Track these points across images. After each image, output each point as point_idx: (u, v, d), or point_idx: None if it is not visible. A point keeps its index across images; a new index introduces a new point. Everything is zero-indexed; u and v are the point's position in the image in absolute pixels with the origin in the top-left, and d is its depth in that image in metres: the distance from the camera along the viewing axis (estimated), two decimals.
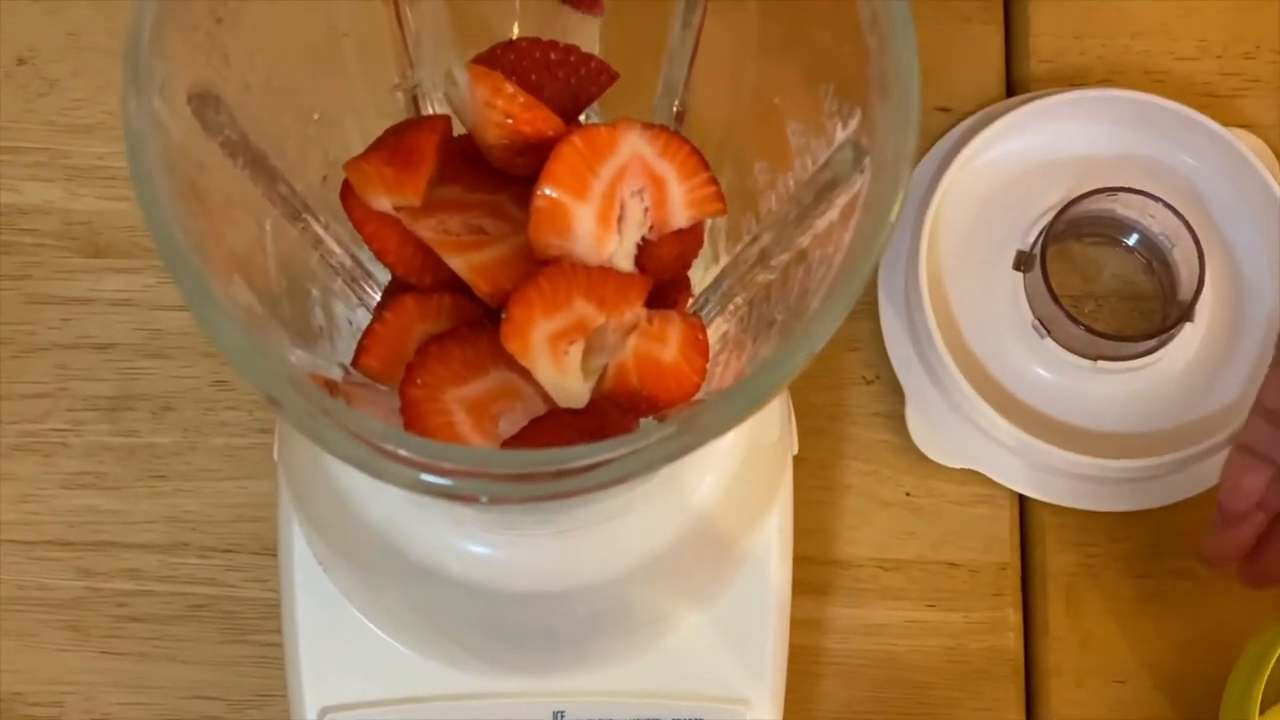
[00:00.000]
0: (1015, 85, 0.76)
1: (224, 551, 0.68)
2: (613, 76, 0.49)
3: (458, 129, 0.50)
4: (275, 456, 0.62)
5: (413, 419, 0.46)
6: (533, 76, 0.49)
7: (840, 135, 0.44)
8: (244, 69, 0.44)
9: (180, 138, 0.41)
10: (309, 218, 0.48)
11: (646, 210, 0.47)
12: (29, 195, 0.72)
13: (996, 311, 0.70)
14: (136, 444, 0.69)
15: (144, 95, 0.39)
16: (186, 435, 0.70)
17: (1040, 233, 0.69)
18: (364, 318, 0.50)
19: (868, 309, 0.71)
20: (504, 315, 0.45)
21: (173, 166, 0.40)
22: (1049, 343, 0.69)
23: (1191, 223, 0.68)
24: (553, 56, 0.49)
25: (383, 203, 0.48)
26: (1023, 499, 0.70)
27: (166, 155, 0.40)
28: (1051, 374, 0.69)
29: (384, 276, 0.51)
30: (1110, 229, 0.72)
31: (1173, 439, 0.68)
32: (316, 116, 0.50)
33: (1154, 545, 0.69)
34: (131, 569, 0.68)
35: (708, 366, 0.49)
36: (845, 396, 0.71)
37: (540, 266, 0.46)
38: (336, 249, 0.50)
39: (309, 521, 0.60)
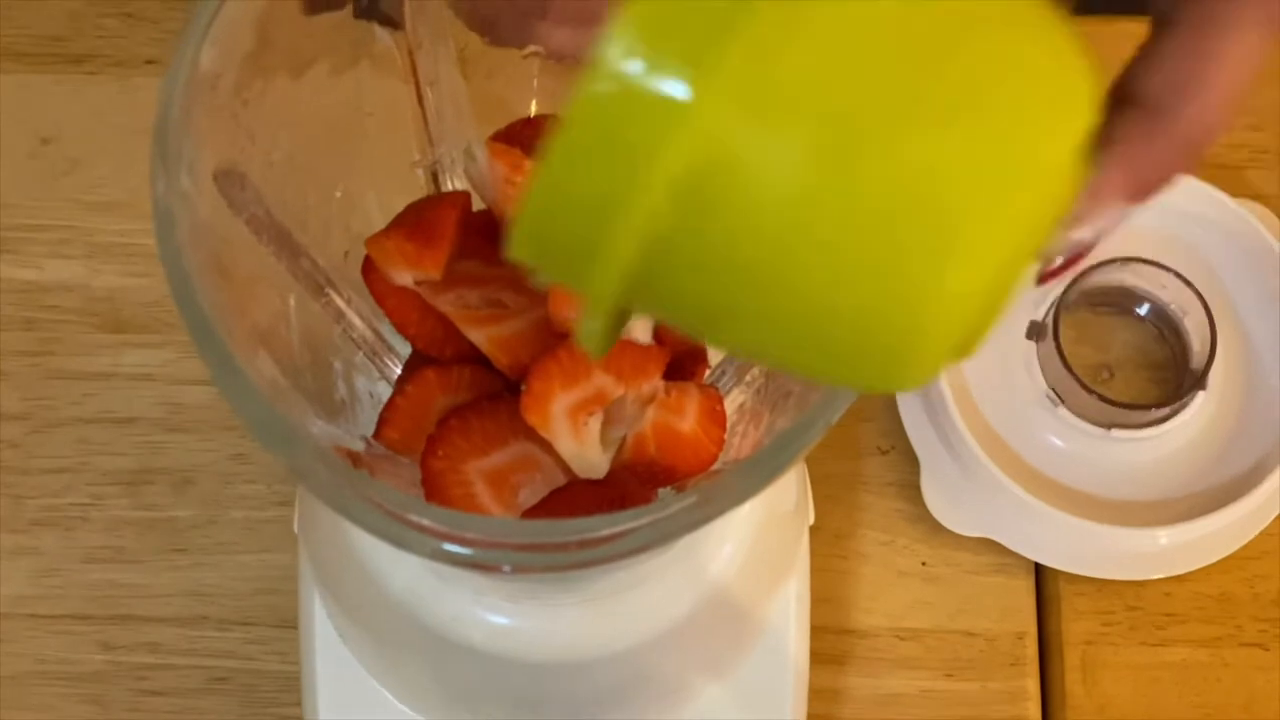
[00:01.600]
0: None
1: (244, 624, 0.69)
2: None
3: (477, 204, 0.51)
4: (295, 529, 0.62)
5: (434, 490, 0.46)
6: None
7: None
8: (268, 147, 0.45)
9: (207, 215, 0.42)
10: (331, 292, 0.49)
11: None
12: (51, 272, 0.73)
13: (1010, 380, 0.70)
14: (157, 518, 0.70)
15: (172, 174, 0.40)
16: (206, 509, 0.70)
17: (1053, 302, 0.70)
18: (385, 390, 0.51)
19: None
20: (524, 388, 0.46)
21: (199, 243, 0.41)
22: (1063, 411, 0.69)
23: (1202, 292, 0.69)
24: None
25: (404, 277, 0.49)
26: (1039, 567, 0.70)
27: (193, 232, 0.40)
28: (1065, 442, 0.70)
29: (405, 350, 0.52)
30: (1122, 299, 0.72)
31: (1187, 507, 0.68)
32: (339, 193, 0.50)
33: (1170, 614, 0.69)
34: (152, 642, 0.68)
35: (725, 437, 0.49)
36: (861, 466, 0.71)
37: (559, 339, 0.47)
38: (358, 323, 0.51)
39: (329, 593, 0.60)
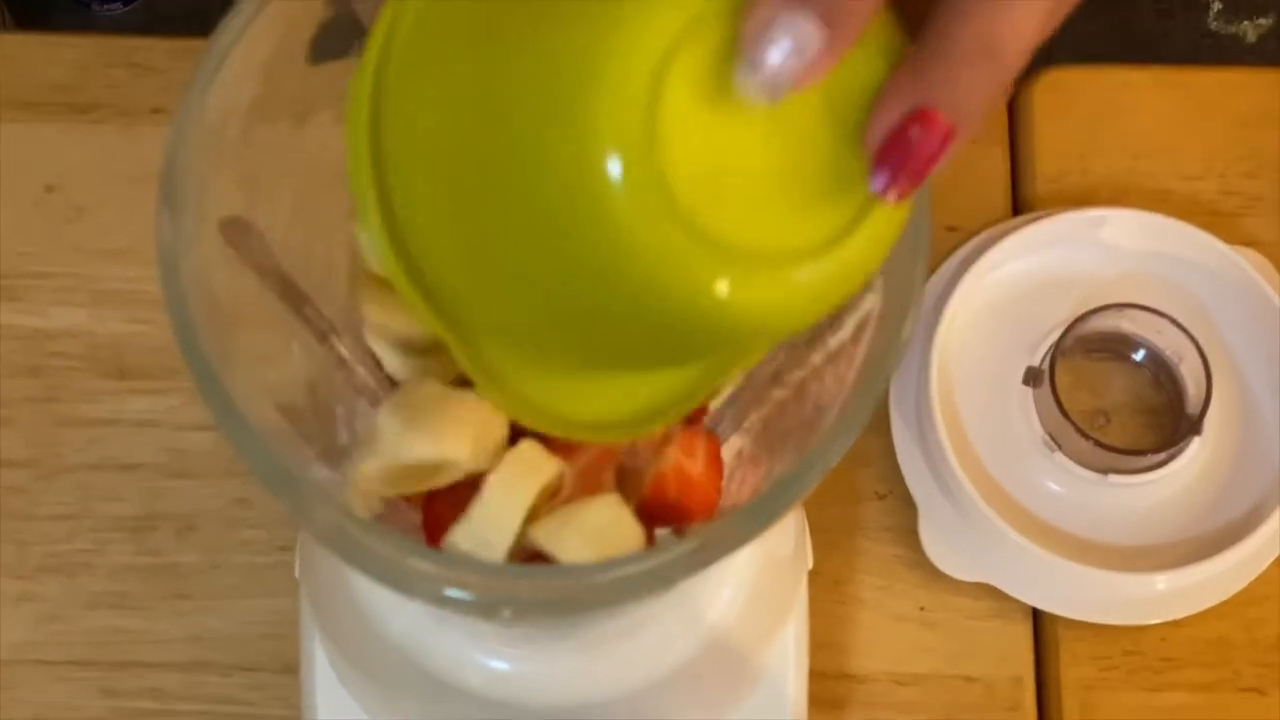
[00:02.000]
0: (1021, 204, 0.78)
1: (246, 670, 0.69)
2: None
3: None
4: (297, 574, 0.62)
5: (436, 536, 0.46)
6: None
7: None
8: (273, 194, 0.45)
9: (211, 261, 0.42)
10: (335, 339, 0.49)
11: None
12: (56, 320, 0.74)
13: (1007, 426, 0.71)
14: (160, 563, 0.70)
15: (177, 219, 0.40)
16: (209, 554, 0.70)
17: (1049, 349, 0.70)
18: None
19: (879, 424, 0.72)
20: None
21: (204, 288, 0.41)
22: (1059, 456, 0.69)
23: (1198, 338, 0.69)
24: None
25: None
26: (1037, 612, 0.70)
27: (198, 278, 0.41)
28: (1062, 487, 0.70)
29: None
30: (1118, 345, 0.73)
31: (1184, 552, 0.68)
32: (343, 240, 0.51)
33: (1168, 658, 0.69)
34: (155, 688, 0.68)
35: (724, 484, 0.49)
36: (858, 511, 0.72)
37: None
38: (361, 370, 0.51)
39: (330, 638, 0.60)
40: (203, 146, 0.42)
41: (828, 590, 0.70)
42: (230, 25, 0.42)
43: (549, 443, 0.45)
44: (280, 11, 0.43)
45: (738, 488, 0.50)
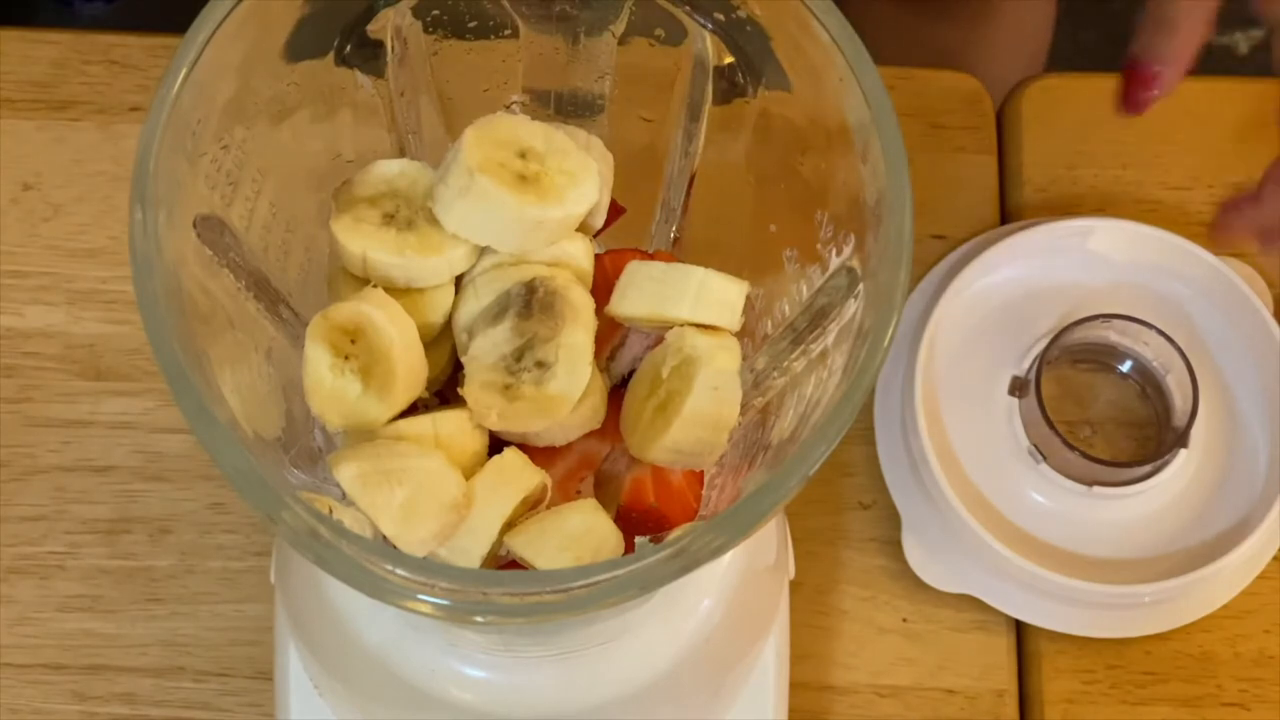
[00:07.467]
0: (1009, 214, 0.77)
1: (219, 675, 0.68)
2: (619, 211, 0.50)
3: None
4: (272, 579, 0.62)
5: None
6: None
7: (835, 261, 0.45)
8: (248, 194, 0.45)
9: (186, 260, 0.42)
10: None
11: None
12: (31, 319, 0.73)
13: (992, 437, 0.70)
14: (134, 567, 0.69)
15: (150, 219, 0.40)
16: (183, 558, 0.70)
17: (1035, 359, 0.70)
18: None
19: (864, 434, 0.71)
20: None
21: (178, 289, 0.41)
22: (1045, 468, 0.69)
23: (1185, 350, 0.69)
24: None
25: None
26: (1020, 624, 0.70)
27: (172, 278, 0.40)
28: (1047, 499, 0.69)
29: None
30: (1104, 356, 0.72)
31: (1169, 565, 0.68)
32: (319, 240, 0.50)
33: (1151, 672, 0.69)
34: (126, 693, 0.68)
35: (703, 491, 0.49)
36: (842, 521, 0.71)
37: None
38: None
39: (305, 645, 0.59)
40: (176, 145, 0.41)
41: (810, 601, 0.69)
42: (204, 22, 0.42)
43: (531, 453, 0.45)
44: (255, 9, 0.42)
45: (718, 496, 0.49)
